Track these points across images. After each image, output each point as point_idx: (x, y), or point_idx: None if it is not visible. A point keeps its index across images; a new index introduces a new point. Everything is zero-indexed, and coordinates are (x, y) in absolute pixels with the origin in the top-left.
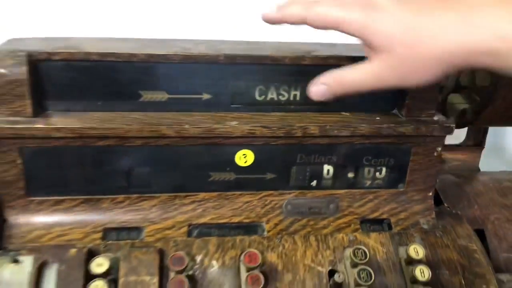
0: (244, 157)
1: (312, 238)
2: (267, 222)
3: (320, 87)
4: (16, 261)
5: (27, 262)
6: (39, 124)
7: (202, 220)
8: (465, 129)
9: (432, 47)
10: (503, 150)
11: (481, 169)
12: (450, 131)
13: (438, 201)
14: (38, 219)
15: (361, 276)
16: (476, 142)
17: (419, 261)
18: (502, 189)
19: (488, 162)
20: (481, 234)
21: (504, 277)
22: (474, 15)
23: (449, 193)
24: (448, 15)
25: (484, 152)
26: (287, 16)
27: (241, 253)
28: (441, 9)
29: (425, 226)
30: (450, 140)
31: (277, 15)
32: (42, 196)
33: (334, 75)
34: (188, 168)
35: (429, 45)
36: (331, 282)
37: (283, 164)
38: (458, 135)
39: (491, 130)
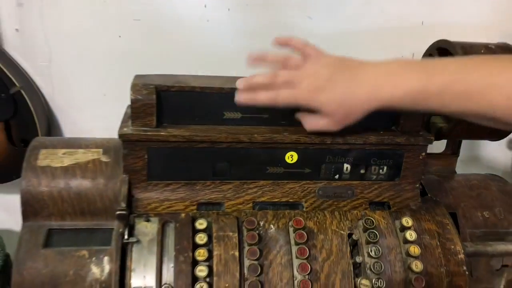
0: (291, 157)
1: (336, 213)
2: (305, 201)
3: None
4: (148, 220)
5: (155, 221)
6: (161, 133)
7: (262, 199)
8: (445, 142)
9: (352, 106)
10: (478, 160)
11: (458, 173)
12: (430, 142)
13: (424, 193)
14: (154, 196)
15: (370, 236)
16: (453, 151)
17: (409, 228)
18: (470, 185)
19: (466, 169)
20: (454, 216)
21: (467, 243)
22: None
23: (432, 187)
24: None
25: (464, 161)
26: (256, 100)
27: (289, 221)
28: (349, 81)
29: (414, 207)
30: (434, 150)
31: (246, 99)
32: (157, 180)
33: (308, 122)
34: (253, 163)
35: (351, 107)
36: (350, 240)
37: (316, 162)
38: (440, 147)
39: (470, 144)
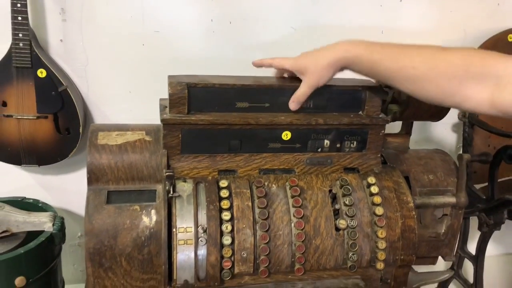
0: (286, 135)
1: (320, 175)
2: (297, 168)
3: (292, 104)
4: (184, 181)
5: (190, 181)
6: (191, 118)
7: (265, 167)
8: (400, 124)
9: (323, 64)
10: (429, 140)
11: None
12: (387, 122)
13: (384, 162)
14: (186, 165)
15: (345, 190)
16: (407, 131)
17: (373, 184)
18: (419, 157)
19: (420, 147)
20: (407, 178)
21: (417, 197)
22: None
23: (390, 158)
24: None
25: (418, 141)
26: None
27: (286, 181)
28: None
29: (376, 171)
30: (393, 130)
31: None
32: (188, 153)
33: (294, 96)
34: (258, 140)
35: (322, 64)
36: (330, 194)
37: (304, 139)
38: (397, 129)
39: (422, 127)
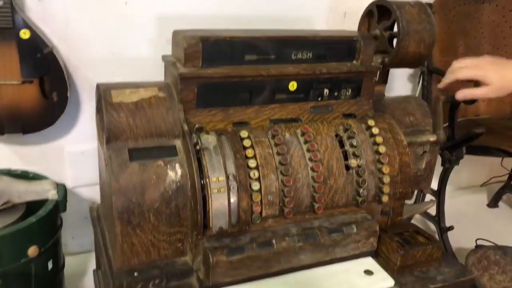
0: (293, 85)
1: (324, 122)
2: (303, 117)
3: (460, 94)
4: (207, 133)
5: (212, 134)
6: (206, 71)
7: (274, 117)
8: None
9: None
10: (391, 90)
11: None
12: (379, 69)
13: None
14: (201, 119)
15: (350, 133)
16: (384, 80)
17: (373, 126)
18: (398, 101)
19: None
20: None
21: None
22: None
23: (375, 104)
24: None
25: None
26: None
27: (296, 129)
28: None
29: (370, 115)
30: None
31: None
32: (203, 107)
33: (469, 91)
34: (267, 92)
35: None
36: (337, 138)
37: (307, 89)
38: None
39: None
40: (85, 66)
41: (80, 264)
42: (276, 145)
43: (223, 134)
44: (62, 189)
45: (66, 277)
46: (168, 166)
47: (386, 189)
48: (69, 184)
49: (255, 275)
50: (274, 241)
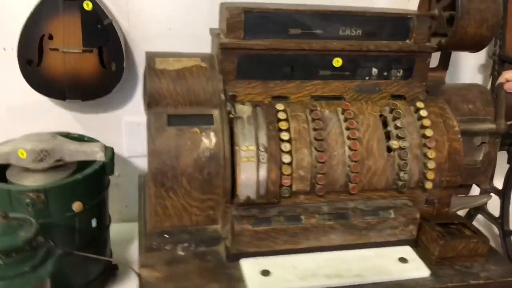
0: (337, 62)
1: (369, 102)
2: (346, 95)
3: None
4: (243, 104)
5: (248, 104)
6: (248, 42)
7: (316, 94)
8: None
9: None
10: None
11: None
12: (434, 50)
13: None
14: (240, 91)
15: (395, 113)
16: (444, 66)
17: (421, 109)
18: (457, 88)
19: None
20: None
21: (459, 123)
22: None
23: (430, 89)
24: None
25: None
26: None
27: (337, 107)
28: None
29: (422, 98)
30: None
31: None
32: (243, 79)
33: None
34: (310, 67)
35: None
36: (381, 118)
37: (354, 67)
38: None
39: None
40: (143, 40)
41: (130, 231)
42: (312, 120)
43: (259, 105)
44: (110, 152)
45: (115, 241)
46: (204, 133)
47: (430, 175)
48: (125, 154)
49: (281, 249)
50: (302, 217)
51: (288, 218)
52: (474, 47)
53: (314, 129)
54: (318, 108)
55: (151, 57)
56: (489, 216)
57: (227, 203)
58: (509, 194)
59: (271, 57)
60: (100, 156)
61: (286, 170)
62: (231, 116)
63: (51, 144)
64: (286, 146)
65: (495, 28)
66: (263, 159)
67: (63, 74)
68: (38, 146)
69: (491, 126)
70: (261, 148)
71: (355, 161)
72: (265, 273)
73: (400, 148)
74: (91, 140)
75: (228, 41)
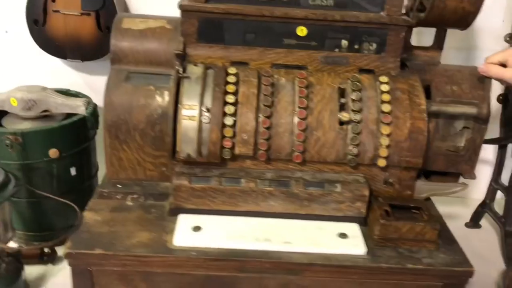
0: (301, 31)
1: (332, 73)
2: (310, 65)
3: (483, 68)
4: (195, 65)
5: (200, 66)
6: (207, 5)
7: (278, 62)
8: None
9: None
10: None
11: None
12: (409, 24)
13: None
14: (200, 53)
15: (354, 86)
16: (439, 45)
17: (385, 83)
18: (447, 69)
19: None
20: (428, 88)
21: (433, 103)
22: None
23: (414, 67)
24: None
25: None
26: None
27: (296, 77)
28: None
29: (393, 74)
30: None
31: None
32: (203, 43)
33: (497, 69)
34: (274, 35)
35: None
36: (339, 90)
37: (321, 37)
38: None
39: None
40: (136, 8)
41: None
42: (263, 85)
43: (212, 67)
44: (92, 107)
45: None
46: (158, 92)
47: (383, 152)
48: None
49: (220, 210)
50: (243, 180)
51: (228, 179)
52: (459, 24)
53: (263, 94)
54: (275, 76)
55: (120, 18)
56: (494, 214)
57: (170, 158)
58: None
59: (233, 22)
60: (81, 110)
61: (228, 132)
62: (179, 75)
63: (39, 96)
64: (230, 109)
65: (479, 3)
66: (205, 119)
67: (64, 35)
68: (27, 96)
69: (471, 109)
70: (204, 108)
71: (300, 130)
72: (197, 229)
73: (351, 121)
74: (77, 95)
75: (188, 3)
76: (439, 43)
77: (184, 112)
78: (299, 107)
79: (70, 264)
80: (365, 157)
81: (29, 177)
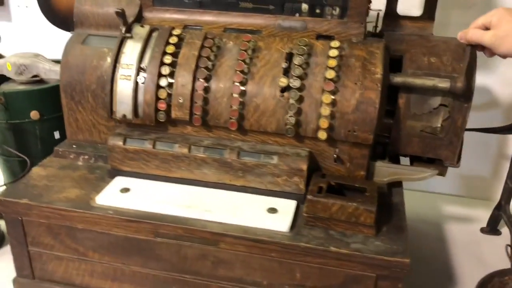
0: None
1: (285, 39)
2: (265, 30)
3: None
4: (142, 26)
5: (147, 27)
6: None
7: (232, 26)
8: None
9: None
10: None
11: None
12: None
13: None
14: (156, 17)
15: (299, 51)
16: (429, 15)
17: (335, 48)
18: (430, 39)
19: None
20: (401, 59)
21: (399, 74)
22: None
23: (392, 37)
24: None
25: None
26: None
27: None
28: None
29: (354, 40)
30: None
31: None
32: (159, 6)
33: (475, 32)
34: None
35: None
36: (287, 55)
37: (280, 1)
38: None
39: None
40: None
41: None
42: (204, 47)
43: (157, 29)
44: None
45: None
46: (110, 53)
47: (323, 123)
48: None
49: (154, 175)
50: (176, 145)
51: (162, 143)
52: None
53: (202, 56)
54: (223, 39)
55: None
56: (507, 218)
57: (108, 117)
58: None
59: None
60: None
61: (162, 94)
62: (122, 35)
63: (30, 61)
64: (166, 70)
65: None
66: (140, 79)
67: (67, 7)
68: (18, 61)
69: (443, 83)
70: (141, 69)
71: (236, 95)
72: (124, 190)
73: (292, 87)
74: None
75: None
76: (429, 13)
77: (121, 71)
78: (237, 71)
79: (1, 211)
80: (308, 129)
81: (15, 137)
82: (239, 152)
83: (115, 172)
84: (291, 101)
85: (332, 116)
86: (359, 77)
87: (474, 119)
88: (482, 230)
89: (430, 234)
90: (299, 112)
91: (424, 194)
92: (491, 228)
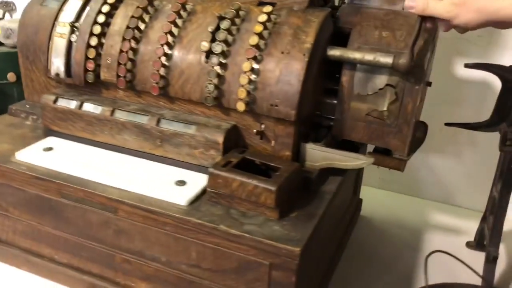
0: None
1: (225, 3)
2: None
3: (411, 3)
4: None
5: None
6: None
7: None
8: None
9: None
10: None
11: None
12: None
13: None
14: None
15: (228, 15)
16: None
17: (265, 13)
18: (389, 13)
19: None
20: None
21: (337, 47)
22: None
23: (347, 10)
24: None
25: None
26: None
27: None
28: None
29: (295, 8)
30: None
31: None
32: None
33: (423, 2)
34: None
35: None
36: (218, 19)
37: None
38: None
39: None
40: None
41: None
42: (138, 8)
43: None
44: None
45: None
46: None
47: (241, 93)
48: None
49: (81, 137)
50: (100, 107)
51: (88, 105)
52: None
53: (133, 17)
54: (163, 2)
55: None
56: (488, 229)
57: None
58: (506, 203)
59: None
60: None
61: (91, 53)
62: None
63: (16, 25)
64: (96, 29)
65: None
66: (73, 37)
67: None
68: (6, 25)
69: (385, 58)
70: (76, 27)
71: (158, 58)
72: (47, 149)
73: (213, 52)
74: None
75: None
76: None
77: (58, 29)
78: (163, 32)
79: None
80: (231, 100)
81: None
82: (159, 119)
83: (49, 132)
84: (213, 67)
85: (255, 87)
86: (286, 47)
87: (475, 116)
88: (468, 245)
89: (407, 242)
90: (222, 81)
91: (422, 200)
92: (478, 243)
